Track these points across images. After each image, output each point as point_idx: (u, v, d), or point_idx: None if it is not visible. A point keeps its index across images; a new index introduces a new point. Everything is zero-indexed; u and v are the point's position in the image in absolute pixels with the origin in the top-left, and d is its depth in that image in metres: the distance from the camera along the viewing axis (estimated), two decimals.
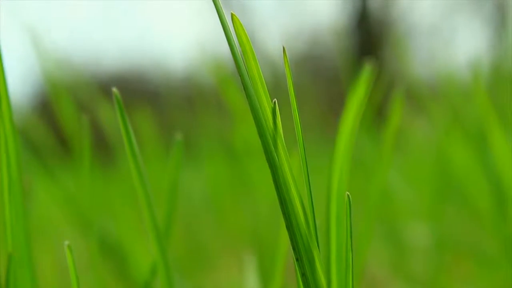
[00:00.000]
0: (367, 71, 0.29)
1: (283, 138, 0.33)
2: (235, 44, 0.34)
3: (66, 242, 0.29)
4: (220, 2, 0.34)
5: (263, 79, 0.34)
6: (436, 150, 0.93)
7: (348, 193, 0.32)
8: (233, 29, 0.35)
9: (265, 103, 0.34)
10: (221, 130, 1.21)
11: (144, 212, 0.44)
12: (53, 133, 0.86)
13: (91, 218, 0.70)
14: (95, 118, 0.92)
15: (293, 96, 0.35)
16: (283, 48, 0.35)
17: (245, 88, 0.33)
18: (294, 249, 0.33)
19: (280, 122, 0.33)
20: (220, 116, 1.27)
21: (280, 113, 0.35)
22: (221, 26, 0.34)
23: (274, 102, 0.34)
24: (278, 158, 0.33)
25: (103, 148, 0.94)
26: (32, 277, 0.43)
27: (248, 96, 0.33)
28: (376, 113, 0.82)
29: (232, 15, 0.34)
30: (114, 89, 0.36)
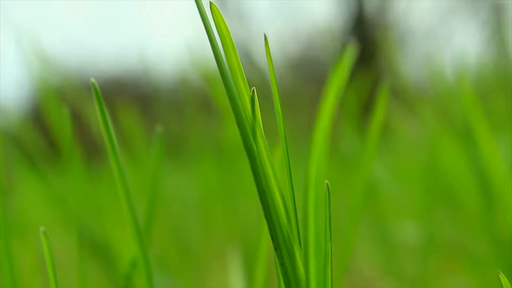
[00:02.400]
0: (348, 53, 0.29)
1: (262, 128, 0.33)
2: (213, 34, 0.34)
3: (42, 229, 0.29)
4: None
5: (243, 70, 0.34)
6: (426, 150, 0.93)
7: (327, 181, 0.32)
8: (212, 21, 0.35)
9: (244, 94, 0.33)
10: (211, 132, 1.21)
11: (123, 206, 0.44)
12: (46, 136, 0.86)
13: (78, 217, 0.69)
14: (86, 121, 0.92)
15: (276, 89, 0.35)
16: (265, 36, 0.34)
17: (223, 77, 0.33)
18: (273, 239, 0.33)
19: (259, 112, 0.33)
20: (210, 118, 1.27)
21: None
22: (199, 16, 0.34)
23: (253, 91, 0.33)
24: (257, 148, 0.33)
25: (94, 151, 0.94)
26: (13, 274, 0.43)
27: (226, 86, 0.33)
28: (366, 112, 0.83)
29: (210, 3, 0.34)
30: (92, 79, 0.36)
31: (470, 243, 0.81)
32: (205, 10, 0.34)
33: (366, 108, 0.87)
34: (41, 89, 0.84)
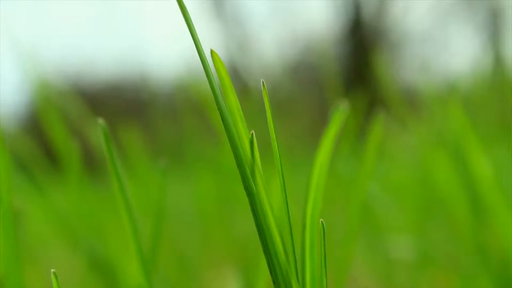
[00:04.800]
0: (342, 108, 0.31)
1: (260, 169, 0.35)
2: (214, 79, 0.36)
3: (52, 270, 0.31)
4: (199, 42, 0.35)
5: (241, 112, 0.36)
6: (419, 165, 0.95)
7: (322, 220, 0.34)
8: (212, 64, 0.37)
9: (243, 135, 0.35)
10: (208, 142, 1.22)
11: (128, 236, 0.46)
12: (44, 147, 0.87)
13: (80, 235, 0.71)
14: (84, 134, 0.93)
15: (272, 126, 0.37)
16: (263, 83, 0.36)
17: (223, 121, 0.35)
18: (271, 273, 0.35)
19: (258, 153, 0.35)
20: (207, 128, 1.28)
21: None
22: (200, 61, 0.36)
23: (252, 134, 0.35)
24: (255, 188, 0.35)
25: (92, 163, 0.96)
26: None
27: (227, 129, 0.35)
28: (360, 130, 0.84)
29: (211, 51, 0.36)
30: (100, 120, 0.38)
31: (462, 256, 0.83)
32: (206, 57, 0.36)
33: (360, 119, 0.89)
34: (39, 97, 0.85)
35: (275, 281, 0.35)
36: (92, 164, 0.95)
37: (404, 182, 0.98)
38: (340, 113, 0.30)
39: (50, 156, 0.86)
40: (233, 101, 0.36)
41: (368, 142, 0.54)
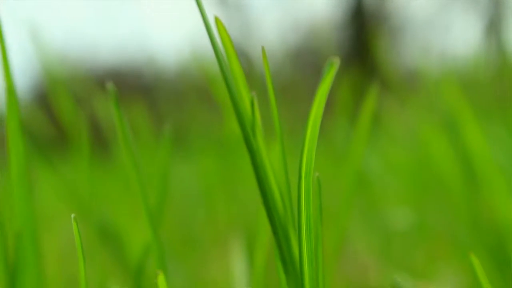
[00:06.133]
0: (332, 68, 0.34)
1: (260, 128, 0.38)
2: (218, 44, 0.38)
3: (73, 215, 0.34)
4: (203, 5, 0.38)
5: (243, 75, 0.39)
6: (416, 140, 0.97)
7: (317, 173, 0.37)
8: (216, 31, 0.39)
9: (245, 96, 0.38)
10: (212, 123, 1.25)
11: (137, 195, 0.48)
12: (51, 124, 0.90)
13: (89, 206, 0.74)
14: (91, 110, 0.96)
15: (271, 86, 0.40)
16: (263, 48, 0.39)
17: (226, 84, 0.38)
18: (271, 224, 0.38)
19: (258, 113, 0.38)
20: (211, 109, 1.31)
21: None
22: (204, 27, 0.38)
23: (252, 95, 0.38)
24: (256, 145, 0.38)
25: (99, 138, 0.98)
26: (38, 255, 0.47)
27: (229, 90, 0.38)
28: (359, 105, 0.87)
29: (215, 18, 0.38)
30: (109, 84, 0.40)
31: (457, 229, 0.86)
32: (210, 22, 0.38)
33: (360, 101, 0.91)
34: (50, 79, 0.87)
35: (274, 231, 0.38)
36: (98, 139, 0.97)
37: (401, 158, 1.01)
38: (333, 66, 0.32)
39: (59, 132, 0.88)
40: (235, 65, 0.38)
41: (363, 110, 0.57)
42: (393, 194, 0.94)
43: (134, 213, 0.79)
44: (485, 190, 0.78)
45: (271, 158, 0.38)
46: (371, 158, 0.92)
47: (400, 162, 1.00)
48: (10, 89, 0.47)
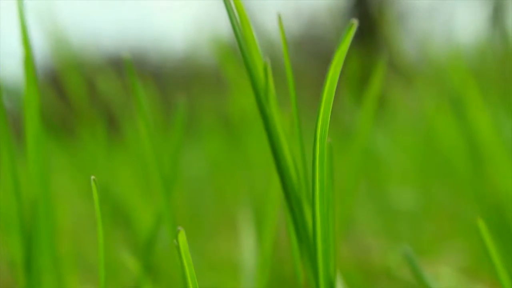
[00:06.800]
0: (351, 29, 0.34)
1: (274, 92, 0.39)
2: (233, 12, 0.39)
3: (92, 177, 0.34)
4: None
5: (257, 44, 0.39)
6: (423, 121, 0.98)
7: (330, 139, 0.37)
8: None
9: (259, 64, 0.39)
10: (220, 107, 1.26)
11: (150, 166, 0.49)
12: (62, 104, 0.91)
13: (101, 182, 0.75)
14: (99, 90, 0.97)
15: (287, 57, 0.41)
16: (279, 17, 0.40)
17: (240, 49, 0.38)
18: (283, 188, 0.39)
19: (271, 78, 0.39)
20: (218, 94, 1.32)
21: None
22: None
23: (266, 62, 0.39)
24: (269, 110, 0.38)
25: (107, 119, 0.99)
26: (51, 222, 0.48)
27: (244, 56, 0.38)
28: (366, 86, 0.88)
29: None
30: (125, 54, 0.41)
31: (463, 208, 0.87)
32: None
33: (366, 83, 0.92)
34: (60, 60, 0.88)
35: (286, 195, 0.39)
36: (106, 119, 0.98)
37: (408, 137, 1.02)
38: (352, 28, 0.33)
39: (69, 112, 0.89)
40: (249, 33, 0.39)
41: (369, 88, 0.57)
42: (399, 173, 0.94)
43: (144, 191, 0.80)
44: (490, 169, 0.79)
45: (284, 124, 0.39)
46: (378, 137, 0.92)
47: (406, 141, 1.01)
48: (28, 61, 0.48)
